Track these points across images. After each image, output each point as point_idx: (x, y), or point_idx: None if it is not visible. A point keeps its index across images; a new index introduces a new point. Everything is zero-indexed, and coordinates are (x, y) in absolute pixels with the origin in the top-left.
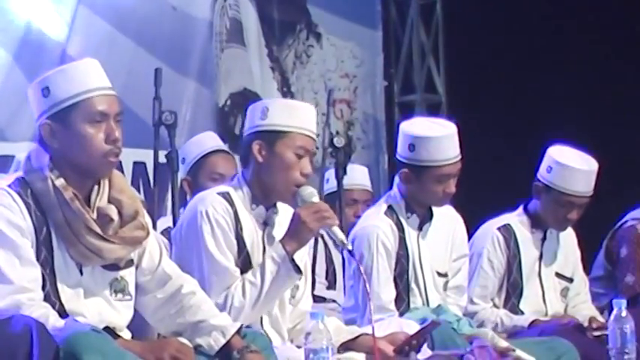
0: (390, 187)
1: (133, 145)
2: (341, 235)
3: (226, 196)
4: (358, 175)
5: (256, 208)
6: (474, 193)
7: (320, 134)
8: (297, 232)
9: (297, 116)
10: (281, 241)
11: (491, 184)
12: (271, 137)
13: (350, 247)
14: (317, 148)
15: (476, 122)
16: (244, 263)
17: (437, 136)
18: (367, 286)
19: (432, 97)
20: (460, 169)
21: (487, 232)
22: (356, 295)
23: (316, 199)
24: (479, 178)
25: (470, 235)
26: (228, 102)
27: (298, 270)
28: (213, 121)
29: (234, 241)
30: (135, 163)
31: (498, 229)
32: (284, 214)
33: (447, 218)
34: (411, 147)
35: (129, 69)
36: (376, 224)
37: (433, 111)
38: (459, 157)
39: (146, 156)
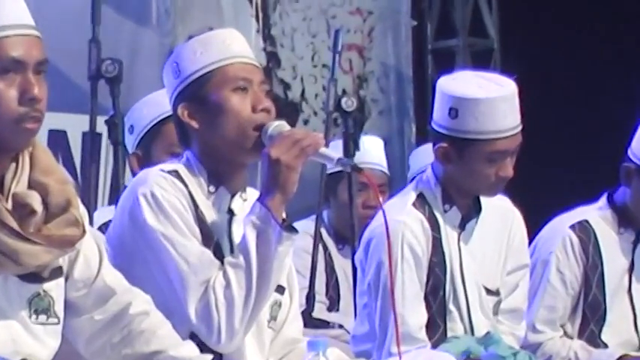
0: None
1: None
2: (334, 154)
3: (175, 175)
4: (369, 150)
5: (215, 191)
6: (538, 178)
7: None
8: (275, 179)
9: (216, 49)
10: (258, 199)
11: (561, 165)
12: (194, 90)
13: (352, 163)
14: (323, 110)
15: (540, 78)
16: (215, 256)
17: (489, 98)
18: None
19: (481, 42)
20: (520, 145)
21: (556, 232)
22: (371, 318)
23: (286, 128)
24: (544, 158)
25: (531, 237)
26: None
27: (291, 228)
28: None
29: (197, 228)
30: (84, 134)
31: (572, 227)
32: (254, 200)
33: (500, 213)
34: (453, 112)
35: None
36: (401, 220)
37: (481, 62)
38: (520, 127)
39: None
